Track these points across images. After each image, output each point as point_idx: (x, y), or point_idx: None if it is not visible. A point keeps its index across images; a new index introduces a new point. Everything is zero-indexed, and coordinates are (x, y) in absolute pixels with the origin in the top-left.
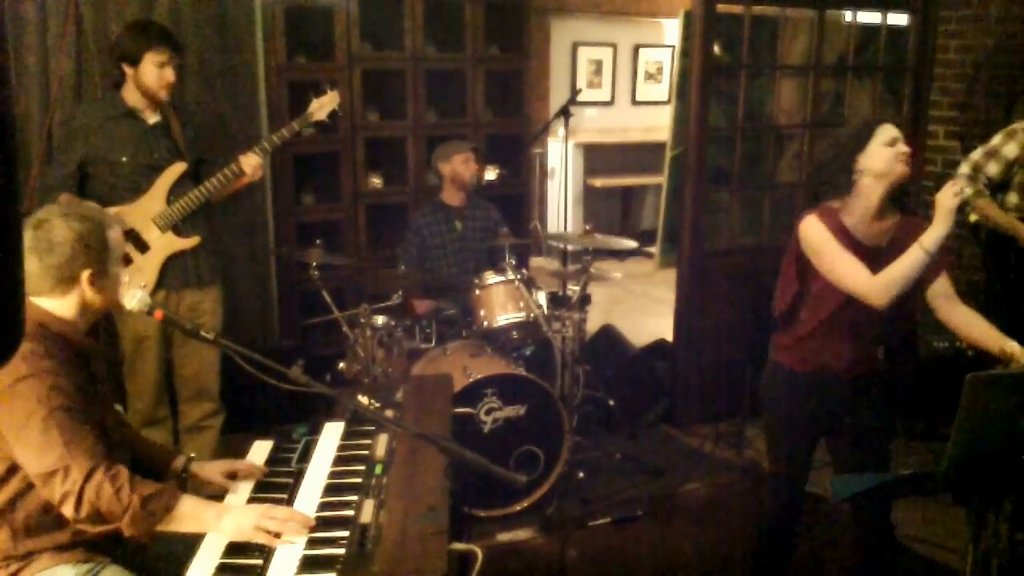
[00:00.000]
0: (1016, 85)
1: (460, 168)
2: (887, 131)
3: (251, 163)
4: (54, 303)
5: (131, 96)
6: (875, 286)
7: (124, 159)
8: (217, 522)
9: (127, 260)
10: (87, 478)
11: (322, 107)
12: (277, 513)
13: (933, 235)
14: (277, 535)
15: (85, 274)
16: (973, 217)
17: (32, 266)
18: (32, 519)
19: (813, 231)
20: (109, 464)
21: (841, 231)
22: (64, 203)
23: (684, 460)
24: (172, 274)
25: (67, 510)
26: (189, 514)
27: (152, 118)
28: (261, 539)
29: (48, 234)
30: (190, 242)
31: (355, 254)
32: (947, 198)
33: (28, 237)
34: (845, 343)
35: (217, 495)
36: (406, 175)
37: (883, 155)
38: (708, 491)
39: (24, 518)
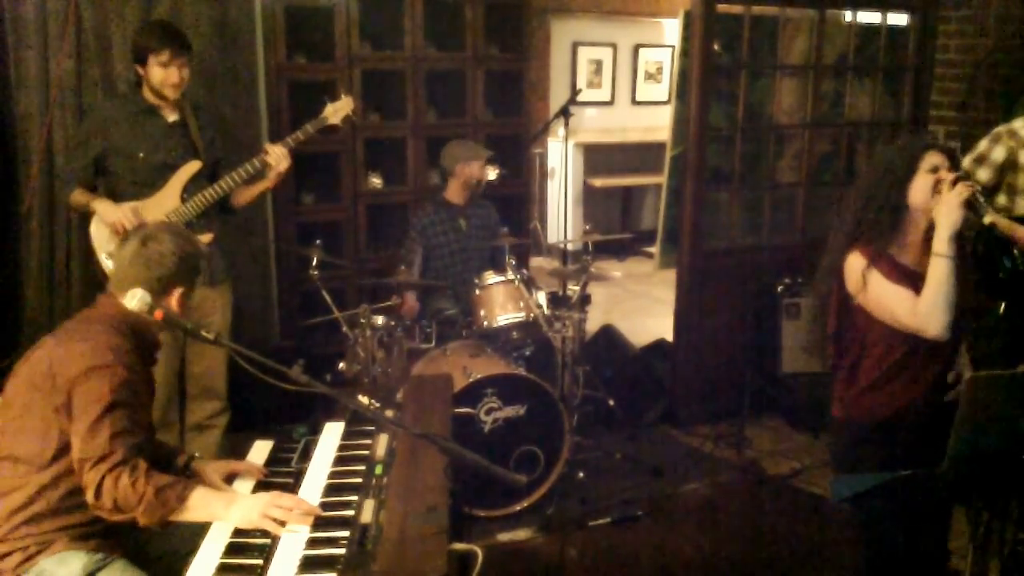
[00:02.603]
0: (1016, 85)
1: (477, 172)
2: (930, 160)
3: (276, 152)
4: None
5: (149, 94)
6: (920, 319)
7: (142, 154)
8: (227, 511)
9: None
10: (111, 470)
11: (337, 112)
12: (284, 501)
13: (942, 236)
14: (283, 523)
15: (178, 292)
16: (988, 219)
17: (136, 272)
18: (68, 497)
19: (855, 268)
20: (133, 457)
21: (892, 265)
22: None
23: (684, 460)
24: None
25: (88, 497)
26: (201, 504)
27: (171, 116)
28: (268, 527)
29: (158, 247)
30: (203, 240)
31: (355, 254)
32: (956, 196)
33: (134, 246)
34: (918, 384)
35: None
36: (406, 175)
37: (925, 187)
38: (708, 491)
39: (62, 494)
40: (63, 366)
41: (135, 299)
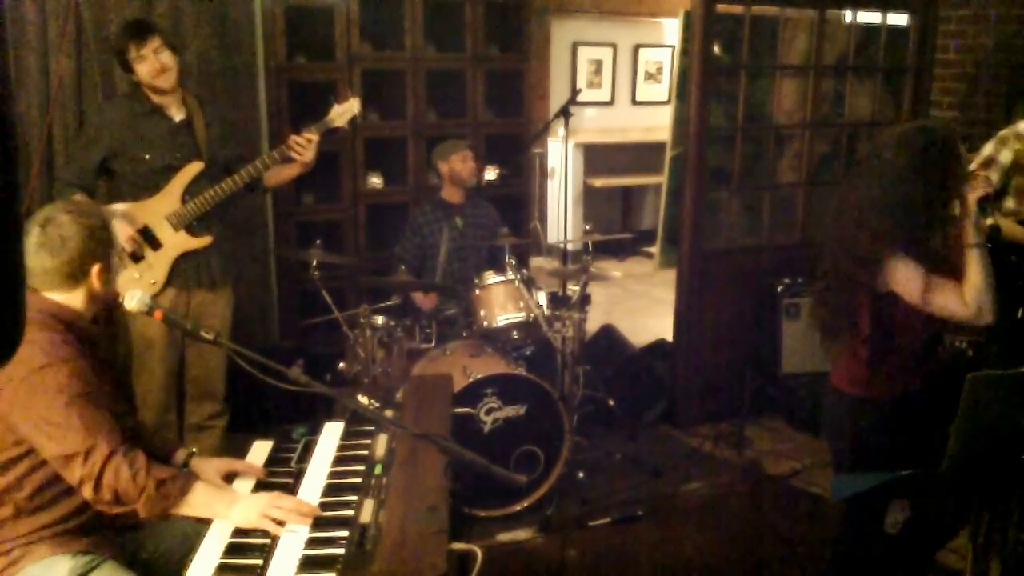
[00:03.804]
0: (1016, 85)
1: (458, 167)
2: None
3: (302, 139)
4: (63, 296)
5: (152, 94)
6: (972, 309)
7: (147, 156)
8: (227, 510)
9: (138, 257)
10: (106, 461)
11: (342, 115)
12: (284, 502)
13: (967, 226)
14: (282, 524)
15: (95, 268)
16: (990, 220)
17: (44, 262)
18: (36, 496)
19: (907, 271)
20: (127, 448)
21: (928, 254)
22: (72, 202)
23: (684, 460)
24: (183, 273)
25: (86, 492)
26: (201, 500)
27: (177, 116)
28: (267, 526)
29: (58, 231)
30: (202, 242)
31: (355, 254)
32: (971, 189)
33: (36, 235)
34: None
35: None
36: (406, 175)
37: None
38: (708, 491)
39: (28, 495)
40: (2, 373)
41: (134, 300)
